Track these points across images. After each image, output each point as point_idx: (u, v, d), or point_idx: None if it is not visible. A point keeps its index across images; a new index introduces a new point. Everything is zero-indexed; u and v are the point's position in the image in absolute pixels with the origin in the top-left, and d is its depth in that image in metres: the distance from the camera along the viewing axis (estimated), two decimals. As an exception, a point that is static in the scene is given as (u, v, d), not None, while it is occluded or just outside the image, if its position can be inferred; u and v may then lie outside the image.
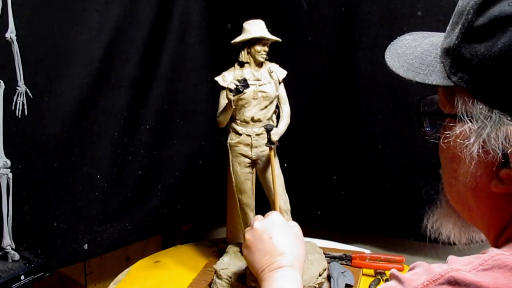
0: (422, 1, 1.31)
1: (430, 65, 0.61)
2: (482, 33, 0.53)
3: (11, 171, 1.17)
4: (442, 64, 0.59)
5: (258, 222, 0.93)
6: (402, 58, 0.65)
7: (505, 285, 0.48)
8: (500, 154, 0.52)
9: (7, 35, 1.13)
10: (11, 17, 1.12)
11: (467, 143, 0.54)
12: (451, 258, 0.54)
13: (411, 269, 0.56)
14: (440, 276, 0.50)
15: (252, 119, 1.15)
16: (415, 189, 1.39)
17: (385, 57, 0.66)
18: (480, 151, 0.53)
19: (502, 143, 0.51)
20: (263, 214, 1.17)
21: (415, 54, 0.64)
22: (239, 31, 1.15)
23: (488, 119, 0.52)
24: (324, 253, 1.25)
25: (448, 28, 0.60)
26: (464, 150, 0.55)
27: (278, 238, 0.89)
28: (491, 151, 0.52)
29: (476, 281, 0.48)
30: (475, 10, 0.54)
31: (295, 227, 0.97)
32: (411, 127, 1.39)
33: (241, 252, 1.23)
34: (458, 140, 0.56)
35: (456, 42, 0.56)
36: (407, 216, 1.41)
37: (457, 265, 0.51)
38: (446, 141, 0.58)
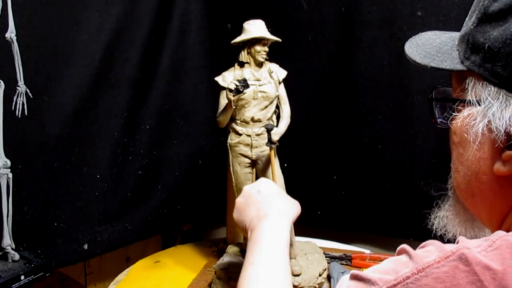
0: (422, 1, 1.31)
1: (446, 53, 0.64)
2: (496, 17, 0.56)
3: (11, 171, 1.17)
4: (457, 52, 0.62)
5: (247, 187, 0.93)
6: (420, 48, 0.67)
7: (511, 268, 0.49)
8: (503, 133, 0.54)
9: (7, 35, 1.12)
10: (11, 17, 1.12)
11: (473, 122, 0.57)
12: (461, 238, 0.55)
13: (421, 247, 0.56)
14: (452, 253, 0.51)
15: (252, 119, 1.14)
16: (415, 189, 1.39)
17: (405, 47, 0.69)
18: (485, 129, 0.56)
19: (506, 122, 0.54)
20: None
21: (434, 45, 0.67)
22: (239, 31, 1.15)
23: (495, 99, 0.55)
24: (324, 253, 1.25)
25: (466, 19, 0.63)
26: (470, 131, 0.57)
27: (265, 191, 0.89)
28: (494, 130, 0.55)
29: (486, 263, 0.49)
30: None
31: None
32: (411, 127, 1.39)
33: (241, 252, 1.23)
34: (465, 121, 0.58)
35: (471, 27, 0.59)
36: (407, 216, 1.41)
37: (468, 245, 0.52)
38: (453, 122, 0.61)
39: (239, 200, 0.92)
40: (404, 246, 0.57)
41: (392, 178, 1.45)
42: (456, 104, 0.61)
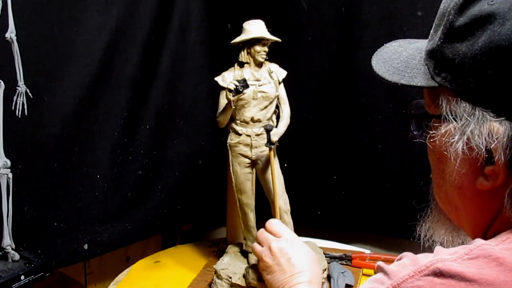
0: (422, 1, 1.31)
1: (415, 68, 0.62)
2: (463, 32, 0.54)
3: (11, 171, 1.18)
4: (426, 66, 0.60)
5: (275, 243, 0.93)
6: (388, 63, 0.66)
7: (489, 275, 0.49)
8: (484, 150, 0.53)
9: (7, 35, 1.13)
10: (11, 17, 1.12)
11: (451, 140, 0.55)
12: (438, 248, 0.55)
13: (398, 260, 0.56)
14: (426, 268, 0.51)
15: (252, 119, 1.14)
16: (415, 189, 1.39)
17: (372, 63, 0.68)
18: (465, 148, 0.54)
19: (485, 139, 0.53)
20: (263, 214, 1.17)
21: (401, 59, 0.65)
22: (239, 31, 1.15)
23: (472, 116, 0.54)
24: (324, 253, 1.25)
25: (431, 31, 0.61)
26: (449, 149, 0.56)
27: (297, 258, 0.90)
28: (475, 147, 0.54)
29: (461, 272, 0.49)
30: (456, 11, 0.55)
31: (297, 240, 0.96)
32: (411, 127, 1.39)
33: (241, 252, 1.23)
34: (443, 139, 0.57)
35: (439, 43, 0.57)
36: (407, 216, 1.41)
37: (443, 255, 0.52)
38: (432, 140, 0.60)
39: (267, 260, 0.92)
40: (380, 263, 0.57)
41: (392, 178, 1.45)
42: (433, 121, 0.60)
